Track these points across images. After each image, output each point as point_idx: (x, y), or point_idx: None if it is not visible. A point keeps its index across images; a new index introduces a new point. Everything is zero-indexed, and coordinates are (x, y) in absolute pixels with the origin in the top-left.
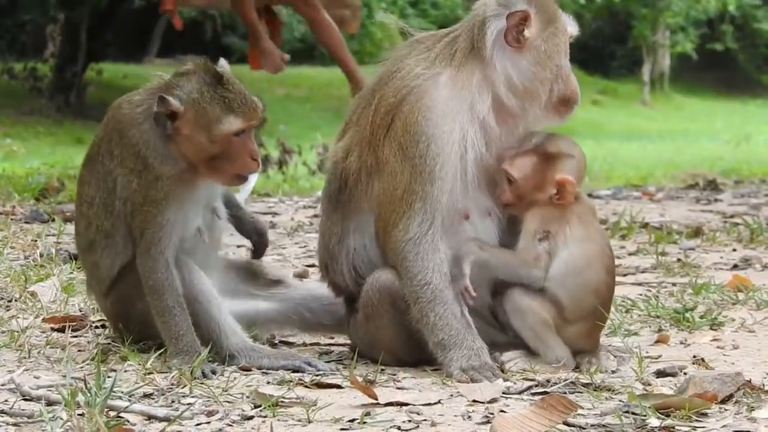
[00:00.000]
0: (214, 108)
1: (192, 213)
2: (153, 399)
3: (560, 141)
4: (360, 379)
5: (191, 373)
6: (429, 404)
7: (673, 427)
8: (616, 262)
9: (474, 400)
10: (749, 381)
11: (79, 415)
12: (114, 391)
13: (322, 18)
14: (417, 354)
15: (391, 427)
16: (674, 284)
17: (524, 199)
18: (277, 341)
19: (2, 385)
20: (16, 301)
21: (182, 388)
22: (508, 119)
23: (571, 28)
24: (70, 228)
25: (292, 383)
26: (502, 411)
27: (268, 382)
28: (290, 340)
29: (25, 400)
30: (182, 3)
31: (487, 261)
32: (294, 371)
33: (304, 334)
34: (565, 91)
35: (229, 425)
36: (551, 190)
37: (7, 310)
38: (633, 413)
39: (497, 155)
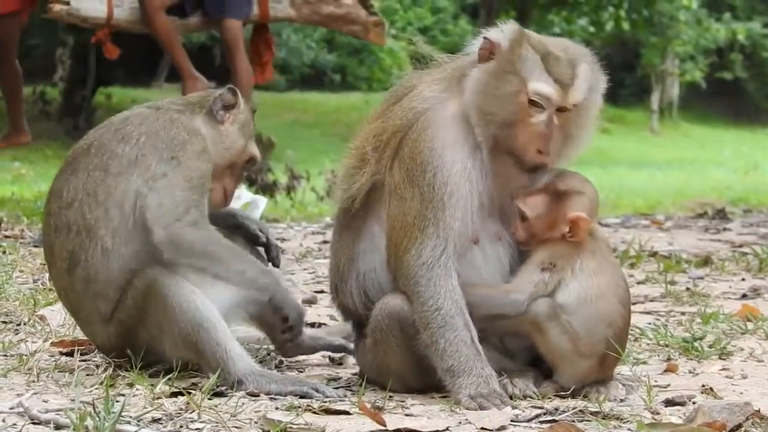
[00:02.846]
0: (250, 126)
1: None
2: (161, 424)
3: (570, 178)
4: (368, 405)
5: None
6: (437, 431)
7: None
8: None
9: (482, 428)
10: (758, 411)
11: None
12: (122, 416)
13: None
14: (425, 380)
15: None
16: (683, 313)
17: (537, 237)
18: (284, 366)
19: (11, 408)
20: (24, 324)
21: (191, 413)
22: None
23: (539, 85)
24: None
25: (300, 409)
26: None
27: (277, 408)
28: (298, 365)
29: (34, 423)
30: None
31: (467, 302)
32: (302, 397)
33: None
34: (503, 140)
35: None
36: (564, 228)
37: (16, 334)
38: None
39: (505, 188)
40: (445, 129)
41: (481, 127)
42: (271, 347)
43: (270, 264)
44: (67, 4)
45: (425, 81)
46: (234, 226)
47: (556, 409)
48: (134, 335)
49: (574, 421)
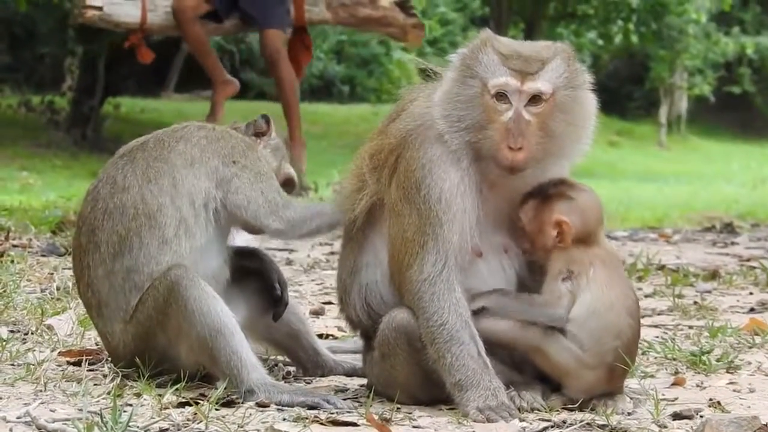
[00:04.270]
0: (283, 150)
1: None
2: None
3: (564, 183)
4: (376, 417)
5: None
6: None
7: None
8: None
9: None
10: (765, 425)
11: None
12: (130, 426)
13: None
14: (433, 393)
15: None
16: (691, 327)
17: (535, 245)
18: (291, 377)
19: (18, 418)
20: (32, 334)
21: (198, 423)
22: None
23: (496, 79)
24: None
25: (307, 420)
26: None
27: (284, 419)
28: (305, 376)
29: None
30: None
31: (505, 307)
32: (311, 408)
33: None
34: (480, 145)
35: None
36: (552, 232)
37: (24, 343)
38: None
39: (505, 200)
40: (434, 146)
41: (453, 136)
42: (279, 357)
43: (272, 316)
44: (100, 9)
45: (420, 97)
46: (254, 269)
47: (564, 422)
48: (152, 337)
49: None
